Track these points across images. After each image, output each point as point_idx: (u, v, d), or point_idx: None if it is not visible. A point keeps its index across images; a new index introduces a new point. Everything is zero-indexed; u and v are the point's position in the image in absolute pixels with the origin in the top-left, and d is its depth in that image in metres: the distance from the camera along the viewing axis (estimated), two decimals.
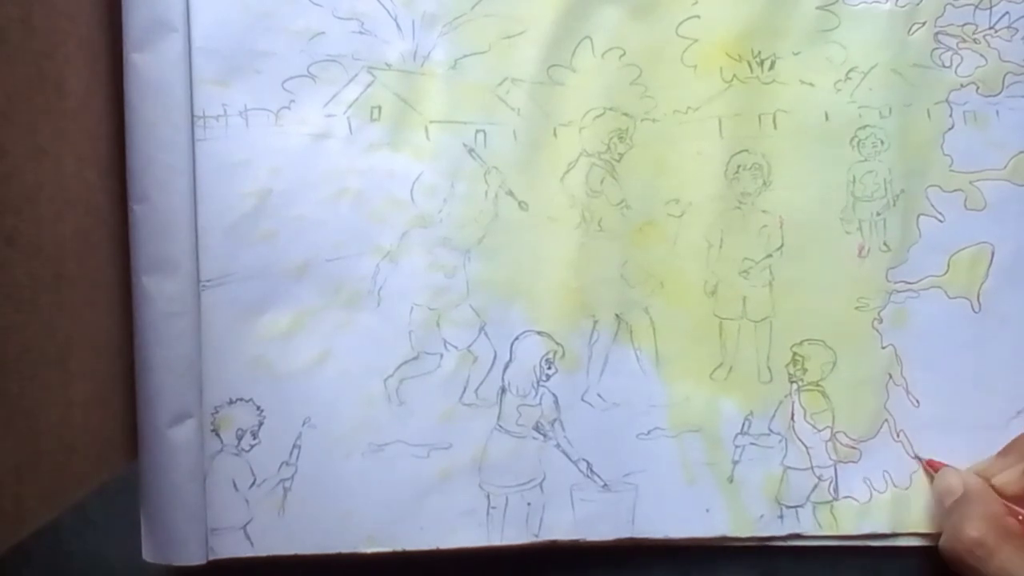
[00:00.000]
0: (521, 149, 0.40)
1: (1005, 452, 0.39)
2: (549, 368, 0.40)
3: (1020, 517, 0.36)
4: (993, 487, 0.38)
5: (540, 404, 0.40)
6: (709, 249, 0.40)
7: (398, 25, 0.39)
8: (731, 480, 0.40)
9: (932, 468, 0.39)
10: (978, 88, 0.40)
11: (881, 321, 0.40)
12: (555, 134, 0.40)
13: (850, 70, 0.40)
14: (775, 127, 0.40)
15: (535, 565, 0.41)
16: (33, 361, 0.39)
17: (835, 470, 0.40)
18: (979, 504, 0.37)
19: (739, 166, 0.40)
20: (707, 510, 0.40)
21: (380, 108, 0.39)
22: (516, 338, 0.40)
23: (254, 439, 0.39)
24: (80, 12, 0.39)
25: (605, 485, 0.40)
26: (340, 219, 0.39)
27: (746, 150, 0.40)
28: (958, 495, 0.37)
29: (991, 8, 0.40)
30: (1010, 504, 0.37)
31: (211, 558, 0.39)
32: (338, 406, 0.39)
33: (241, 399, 0.39)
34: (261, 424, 0.39)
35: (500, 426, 0.40)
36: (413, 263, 0.39)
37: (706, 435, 0.40)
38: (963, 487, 0.38)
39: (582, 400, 0.40)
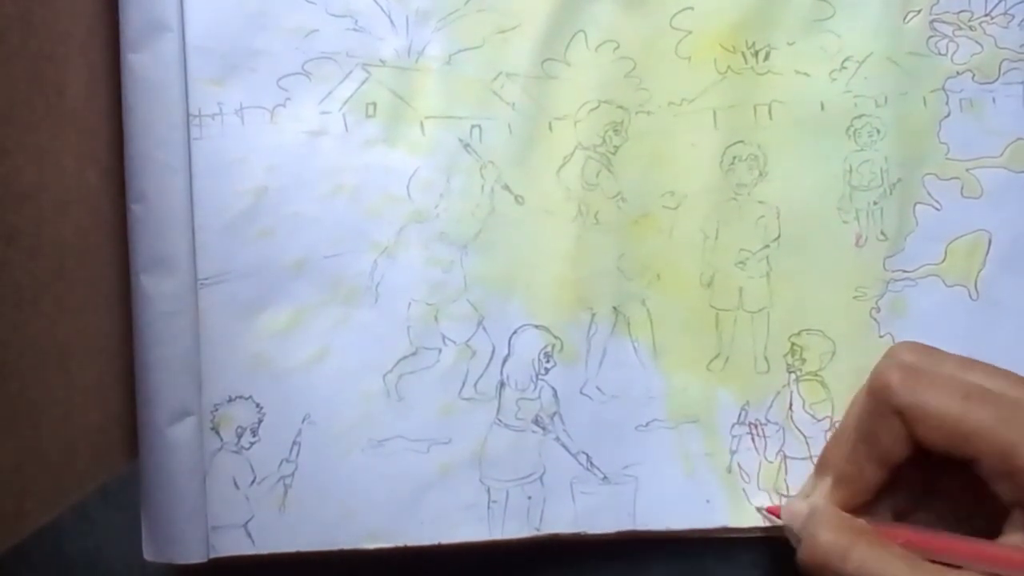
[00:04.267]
0: (516, 143, 0.40)
1: (817, 470, 0.39)
2: (547, 361, 0.40)
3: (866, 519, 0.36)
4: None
5: (539, 398, 0.40)
6: (705, 240, 0.40)
7: (392, 22, 0.39)
8: (729, 470, 0.40)
9: (773, 514, 0.39)
10: (974, 75, 0.40)
11: (879, 310, 0.39)
12: (550, 128, 0.40)
13: (845, 59, 0.40)
14: (771, 118, 0.40)
15: (537, 559, 0.41)
16: (33, 361, 0.39)
17: None
18: (827, 513, 0.36)
19: (735, 157, 0.40)
20: (707, 501, 0.39)
21: (375, 105, 0.39)
22: (514, 332, 0.40)
23: (254, 436, 0.39)
24: (80, 12, 0.39)
25: (605, 478, 0.40)
26: (337, 216, 0.39)
27: (741, 141, 0.40)
28: (804, 515, 0.37)
29: None
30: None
31: (212, 556, 0.39)
32: (337, 402, 0.39)
33: (240, 397, 0.39)
34: (261, 421, 0.39)
35: (499, 420, 0.40)
36: (410, 259, 0.40)
37: (703, 425, 0.40)
38: (808, 507, 0.37)
39: (581, 393, 0.40)
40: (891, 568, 0.34)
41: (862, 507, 0.37)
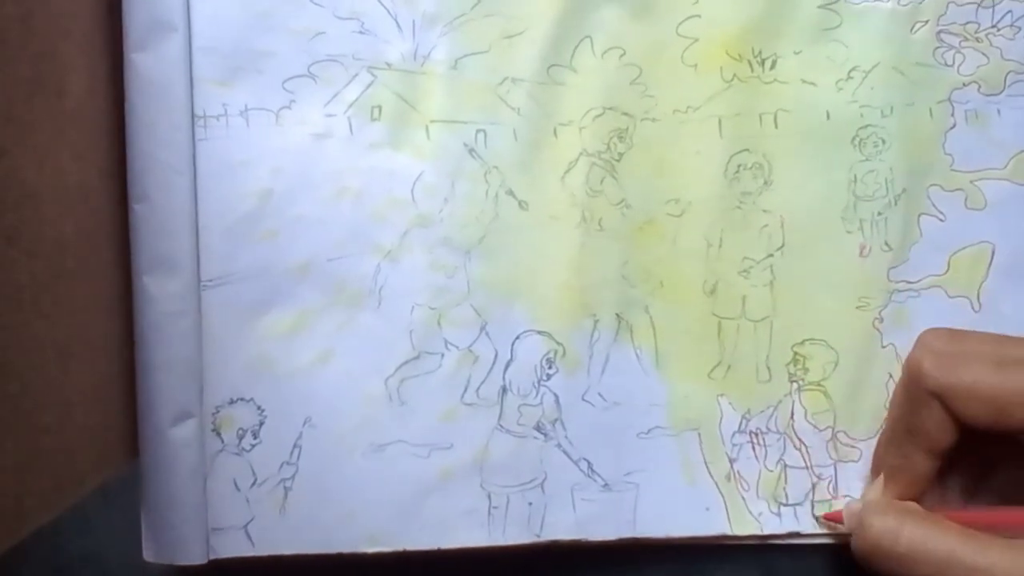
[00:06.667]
0: (521, 149, 0.40)
1: (872, 469, 0.39)
2: (550, 368, 0.40)
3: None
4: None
5: (541, 404, 0.40)
6: (708, 249, 0.40)
7: (398, 25, 0.39)
8: (729, 479, 0.40)
9: (835, 520, 0.39)
10: (980, 87, 0.40)
11: (882, 320, 0.40)
12: (555, 134, 0.40)
13: (851, 69, 0.40)
14: (776, 126, 0.40)
15: (536, 565, 0.41)
16: (33, 361, 0.39)
17: (835, 469, 0.40)
18: (877, 501, 0.37)
19: (739, 166, 0.40)
20: (707, 508, 0.40)
21: (381, 108, 0.39)
22: (517, 337, 0.40)
23: (255, 439, 0.39)
24: (80, 12, 0.39)
25: (606, 485, 0.40)
26: (341, 219, 0.39)
27: (747, 149, 0.40)
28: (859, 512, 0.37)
29: (993, 6, 0.39)
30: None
31: (212, 558, 0.39)
32: (339, 406, 0.39)
33: (242, 399, 0.39)
34: (262, 424, 0.39)
35: (501, 426, 0.40)
36: (414, 263, 0.39)
37: (705, 434, 0.40)
38: (862, 503, 0.38)
39: (583, 400, 0.40)
40: (943, 542, 0.34)
41: (919, 498, 0.37)
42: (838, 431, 0.40)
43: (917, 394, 0.36)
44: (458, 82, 0.39)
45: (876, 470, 0.39)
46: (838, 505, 0.39)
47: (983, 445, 0.36)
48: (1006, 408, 0.34)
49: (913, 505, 0.36)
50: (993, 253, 0.40)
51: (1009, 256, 0.40)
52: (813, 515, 0.40)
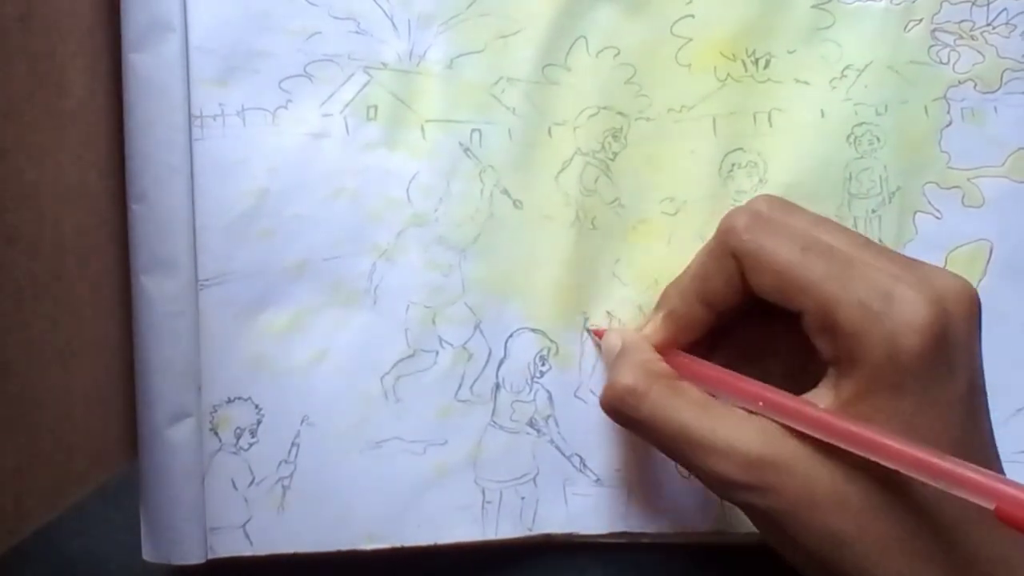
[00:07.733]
0: (516, 148, 0.40)
1: (657, 305, 0.39)
2: (543, 365, 0.40)
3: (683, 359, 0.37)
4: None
5: (534, 400, 0.40)
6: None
7: (394, 25, 0.39)
8: None
9: (599, 336, 0.39)
10: (976, 85, 0.40)
11: None
12: (550, 133, 0.40)
13: (845, 68, 0.40)
14: (770, 125, 0.40)
15: (531, 559, 0.41)
16: (33, 361, 0.39)
17: None
18: (632, 354, 0.36)
19: (734, 164, 0.40)
20: (699, 504, 0.40)
21: (376, 107, 0.39)
22: (511, 335, 0.40)
23: (252, 438, 0.39)
24: (80, 12, 0.40)
25: (598, 479, 0.40)
26: (337, 218, 0.39)
27: (741, 148, 0.40)
28: (617, 351, 0.37)
29: (988, 5, 0.39)
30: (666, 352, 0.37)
31: (210, 557, 0.39)
32: (336, 404, 0.39)
33: (239, 398, 0.39)
34: (259, 423, 0.39)
35: (495, 422, 0.40)
36: (409, 262, 0.40)
37: None
38: (622, 343, 0.37)
39: (575, 396, 0.40)
40: (683, 414, 0.34)
41: (691, 347, 0.37)
42: None
43: (720, 249, 0.35)
44: (453, 82, 0.40)
45: (657, 305, 0.38)
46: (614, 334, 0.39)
47: (767, 320, 0.35)
48: (792, 290, 0.33)
49: (663, 368, 0.36)
50: (991, 251, 0.40)
51: (1008, 254, 0.40)
52: (585, 327, 0.40)
